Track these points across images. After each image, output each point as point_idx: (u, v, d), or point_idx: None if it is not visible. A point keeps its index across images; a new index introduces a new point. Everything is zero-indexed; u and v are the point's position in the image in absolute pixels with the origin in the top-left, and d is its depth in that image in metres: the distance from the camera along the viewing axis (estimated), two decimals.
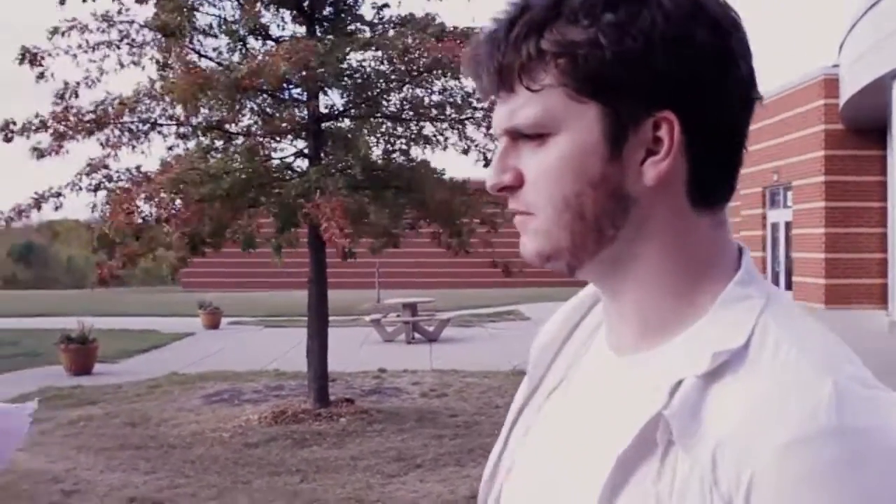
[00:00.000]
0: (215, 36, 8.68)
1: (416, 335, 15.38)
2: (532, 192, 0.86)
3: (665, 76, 0.80)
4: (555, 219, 0.85)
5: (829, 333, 0.82)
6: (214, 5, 8.71)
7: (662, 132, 0.81)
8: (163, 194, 7.67)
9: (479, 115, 8.77)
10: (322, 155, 8.67)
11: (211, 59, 8.63)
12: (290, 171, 8.76)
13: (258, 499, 6.08)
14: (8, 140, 8.02)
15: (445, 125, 8.97)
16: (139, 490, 6.25)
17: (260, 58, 7.60)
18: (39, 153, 8.07)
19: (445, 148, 9.18)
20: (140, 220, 7.83)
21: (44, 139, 8.00)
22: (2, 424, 1.82)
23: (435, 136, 9.00)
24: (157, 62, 8.28)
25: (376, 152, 8.93)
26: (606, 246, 0.85)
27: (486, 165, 9.15)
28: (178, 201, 7.88)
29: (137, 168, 8.56)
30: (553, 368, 1.03)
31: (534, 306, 21.18)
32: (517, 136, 0.86)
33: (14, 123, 7.94)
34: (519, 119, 0.84)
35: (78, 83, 8.25)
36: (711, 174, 0.84)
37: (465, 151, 9.02)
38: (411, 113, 8.96)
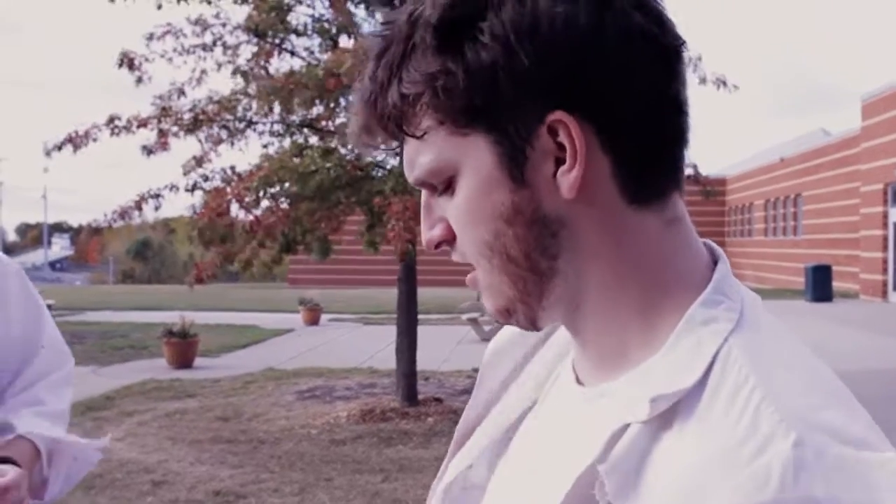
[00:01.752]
0: (308, 35, 8.77)
1: None
2: (460, 244, 0.76)
3: (538, 77, 0.68)
4: (488, 268, 0.75)
5: (814, 364, 0.69)
6: (308, 5, 8.80)
7: (562, 137, 0.69)
8: (248, 198, 7.78)
9: None
10: None
11: (302, 58, 8.71)
12: (379, 169, 8.78)
13: (338, 496, 6.08)
14: (115, 134, 8.30)
15: None
16: (224, 483, 6.34)
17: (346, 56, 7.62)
18: (148, 150, 8.37)
19: None
20: (229, 223, 7.99)
21: (150, 137, 8.28)
22: (76, 454, 1.87)
23: None
24: (249, 69, 8.43)
25: None
26: (549, 283, 0.74)
27: None
28: (264, 203, 8.00)
29: (232, 168, 8.76)
30: (514, 383, 0.90)
31: None
32: (429, 186, 0.77)
33: (119, 118, 8.21)
34: (418, 170, 0.75)
35: (182, 84, 8.50)
36: (643, 165, 0.71)
37: None
38: None
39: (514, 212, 0.72)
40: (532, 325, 0.77)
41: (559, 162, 0.70)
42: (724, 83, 8.45)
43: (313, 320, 18.89)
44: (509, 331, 0.92)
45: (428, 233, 0.78)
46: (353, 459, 7.10)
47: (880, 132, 21.11)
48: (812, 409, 0.62)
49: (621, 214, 0.72)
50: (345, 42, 8.77)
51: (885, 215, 22.54)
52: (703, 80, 8.38)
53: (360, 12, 8.69)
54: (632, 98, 0.70)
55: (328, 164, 8.04)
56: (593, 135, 0.69)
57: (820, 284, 22.47)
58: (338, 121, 8.83)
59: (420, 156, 0.74)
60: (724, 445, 0.61)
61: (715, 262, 0.76)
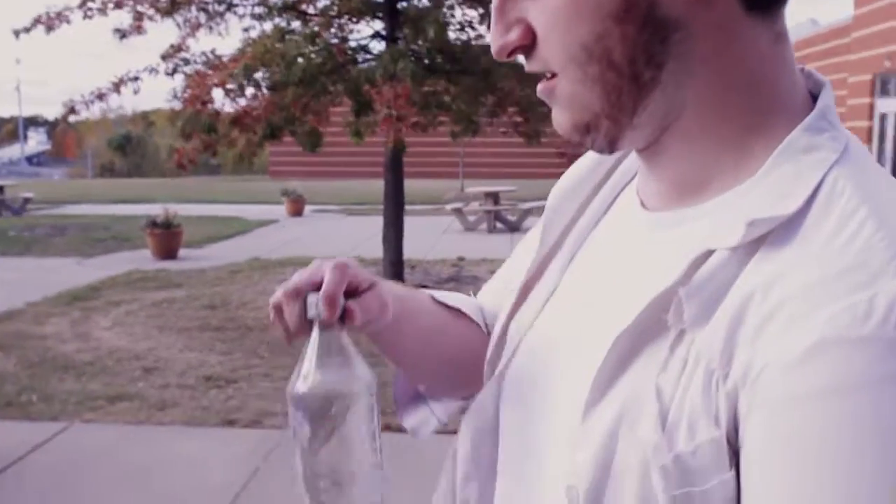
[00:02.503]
0: None
1: (498, 224, 15.26)
2: (546, 48, 0.69)
3: None
4: (580, 76, 0.68)
5: None
6: None
7: None
8: (231, 84, 7.56)
9: None
10: (397, 38, 8.41)
11: None
12: (366, 54, 8.55)
13: None
14: (88, 17, 8.00)
15: None
16: (214, 369, 6.37)
17: None
18: (121, 33, 8.08)
19: None
20: (214, 113, 7.80)
21: (125, 20, 7.99)
22: None
23: None
24: None
25: (452, 35, 8.61)
26: (647, 96, 0.68)
27: None
28: (249, 90, 7.79)
29: (213, 52, 8.50)
30: (576, 226, 0.86)
31: None
32: None
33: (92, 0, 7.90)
34: None
35: None
36: None
37: None
38: None
39: (625, 8, 0.65)
40: (610, 145, 0.72)
41: None
42: None
43: (297, 211, 18.82)
44: (573, 175, 0.88)
45: (501, 38, 0.71)
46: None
47: (873, 21, 20.79)
48: None
49: (737, 22, 0.66)
50: None
51: (872, 106, 22.42)
52: None
53: None
54: None
55: (313, 49, 7.81)
56: None
57: None
58: (320, 4, 8.55)
59: None
60: (824, 275, 0.57)
61: (812, 92, 0.70)
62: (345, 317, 0.79)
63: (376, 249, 10.94)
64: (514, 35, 0.71)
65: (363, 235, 14.09)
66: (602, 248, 0.82)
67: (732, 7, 0.65)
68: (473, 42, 8.64)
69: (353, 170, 32.51)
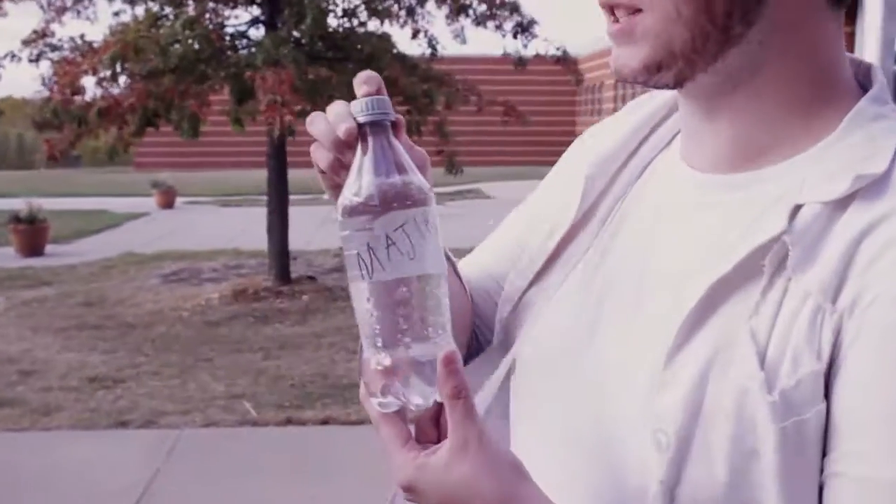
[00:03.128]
0: None
1: None
2: None
3: None
4: (672, 14, 0.70)
5: None
6: None
7: None
8: (104, 71, 7.24)
9: None
10: (278, 24, 8.24)
11: None
12: (245, 40, 8.34)
13: (221, 376, 5.99)
14: None
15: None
16: (98, 370, 6.12)
17: None
18: None
19: (403, 24, 8.78)
20: (85, 103, 7.46)
21: None
22: None
23: (389, 10, 8.57)
24: None
25: (334, 22, 8.51)
26: (730, 49, 0.71)
27: (432, 54, 8.81)
28: (122, 78, 7.48)
29: (81, 37, 8.12)
30: (609, 194, 0.87)
31: (495, 185, 21.05)
32: None
33: None
34: None
35: None
36: None
37: (414, 34, 8.62)
38: None
39: None
40: (677, 83, 0.74)
41: None
42: None
43: (168, 203, 18.20)
44: (609, 142, 0.88)
45: None
46: (230, 339, 6.99)
47: None
48: None
49: (818, 7, 0.72)
50: None
51: None
52: None
53: None
54: None
55: (190, 35, 7.56)
56: None
57: None
58: None
59: None
60: None
61: (856, 73, 0.77)
62: (396, 125, 0.73)
63: (256, 241, 10.73)
64: None
65: (241, 227, 13.77)
66: (647, 212, 0.83)
67: None
68: (357, 29, 8.56)
69: (225, 160, 31.67)
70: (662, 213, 0.81)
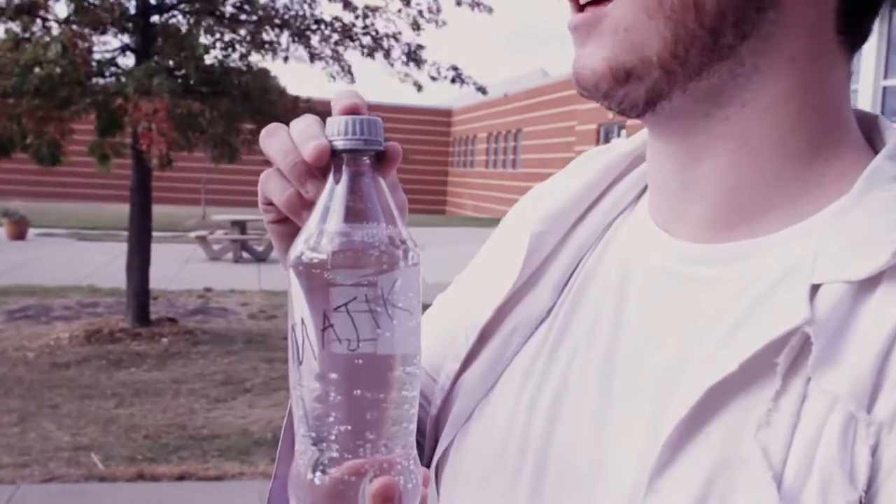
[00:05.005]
0: None
1: (245, 254, 14.76)
2: None
3: None
4: (652, 6, 0.56)
5: None
6: None
7: None
8: None
9: (326, 22, 8.21)
10: (151, 53, 7.88)
11: None
12: (114, 68, 7.92)
13: (67, 424, 5.52)
14: None
15: (285, 30, 8.33)
16: None
17: None
18: None
19: (287, 59, 8.58)
20: None
21: None
22: None
23: (273, 43, 8.37)
24: None
25: (210, 56, 8.22)
26: (715, 65, 0.58)
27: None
28: None
29: None
30: (560, 257, 0.72)
31: None
32: None
33: None
34: None
35: None
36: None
37: (312, 58, 8.43)
38: (250, 14, 8.26)
39: None
40: (647, 103, 0.59)
41: None
42: (479, 5, 8.39)
43: (19, 234, 17.10)
44: (559, 197, 0.73)
45: None
46: (80, 384, 6.49)
47: None
48: None
49: (826, 41, 0.60)
50: None
51: None
52: (458, 2, 8.28)
53: None
54: None
55: (52, 58, 7.10)
56: None
57: None
58: (62, 12, 7.83)
59: None
60: None
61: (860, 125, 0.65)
62: (385, 155, 0.56)
63: (114, 278, 10.16)
64: None
65: (98, 262, 13.07)
66: (611, 285, 0.68)
67: (828, 18, 0.60)
68: (233, 64, 8.29)
69: (84, 191, 30.29)
70: (633, 287, 0.66)
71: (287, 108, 8.11)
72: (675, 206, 0.64)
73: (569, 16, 0.61)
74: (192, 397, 6.28)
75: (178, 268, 13.19)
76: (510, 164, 34.19)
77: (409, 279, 0.54)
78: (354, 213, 0.53)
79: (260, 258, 14.74)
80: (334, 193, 0.54)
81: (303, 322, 0.52)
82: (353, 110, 0.56)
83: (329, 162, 0.55)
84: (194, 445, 5.23)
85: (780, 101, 0.59)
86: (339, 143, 0.54)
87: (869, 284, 0.54)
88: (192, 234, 15.48)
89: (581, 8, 0.60)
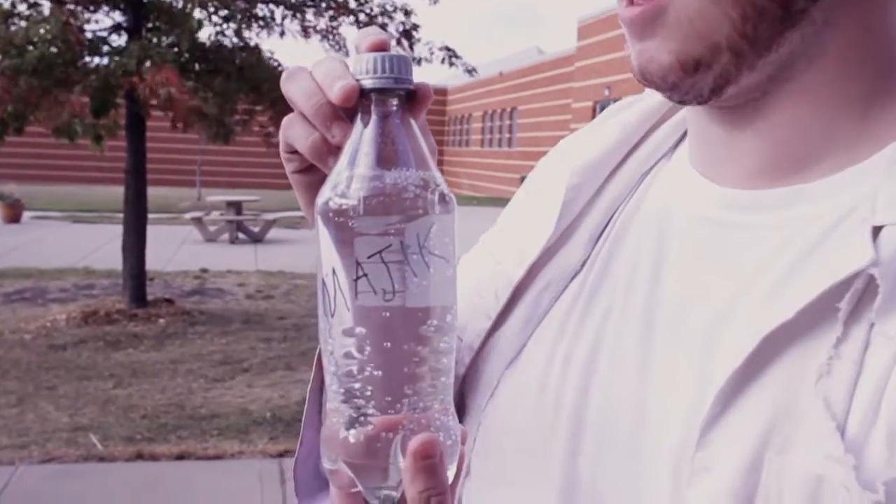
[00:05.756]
0: None
1: (241, 235, 14.73)
2: None
3: None
4: None
5: None
6: None
7: None
8: None
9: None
10: (144, 31, 7.81)
11: None
12: (106, 46, 7.85)
13: (65, 405, 5.50)
14: None
15: (281, 7, 8.25)
16: None
17: None
18: None
19: (283, 34, 8.49)
20: None
21: None
22: None
23: (270, 17, 8.29)
24: None
25: (205, 33, 8.16)
26: (788, 31, 0.54)
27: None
28: None
29: None
30: (595, 208, 0.68)
31: None
32: None
33: None
34: None
35: None
36: None
37: (305, 33, 8.34)
38: None
39: None
40: (715, 90, 0.56)
41: None
42: None
43: (14, 217, 17.07)
44: (595, 148, 0.70)
45: None
46: (77, 365, 6.47)
47: (594, 53, 22.43)
48: None
49: None
50: None
51: None
52: None
53: None
54: None
55: (46, 36, 7.03)
56: None
57: None
58: None
59: None
60: None
61: None
62: (415, 95, 0.53)
63: (109, 260, 10.13)
64: None
65: (93, 245, 13.03)
66: (651, 232, 0.64)
67: None
68: (227, 41, 8.22)
69: (79, 174, 30.17)
70: (674, 236, 0.63)
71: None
72: (722, 156, 0.61)
73: (619, 8, 0.58)
74: (189, 377, 6.26)
75: (174, 249, 13.15)
76: (506, 142, 34.09)
77: (445, 225, 0.50)
78: (385, 156, 0.50)
79: (256, 239, 14.71)
80: (363, 136, 0.51)
81: (334, 272, 0.49)
82: (380, 47, 0.53)
83: (356, 103, 0.51)
84: (193, 425, 5.21)
85: (847, 51, 0.56)
86: (368, 82, 0.51)
87: None
88: (188, 216, 15.42)
89: (631, 0, 0.56)
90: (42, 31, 6.96)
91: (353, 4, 8.06)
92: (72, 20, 7.60)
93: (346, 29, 8.21)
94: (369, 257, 0.48)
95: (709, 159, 0.62)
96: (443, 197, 0.50)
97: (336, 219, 0.49)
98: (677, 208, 0.64)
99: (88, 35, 7.89)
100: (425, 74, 8.99)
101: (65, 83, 7.28)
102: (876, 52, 0.57)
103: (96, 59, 7.70)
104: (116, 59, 7.25)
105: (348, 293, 0.49)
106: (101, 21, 8.06)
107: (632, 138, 0.70)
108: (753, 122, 0.58)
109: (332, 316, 0.50)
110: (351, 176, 0.49)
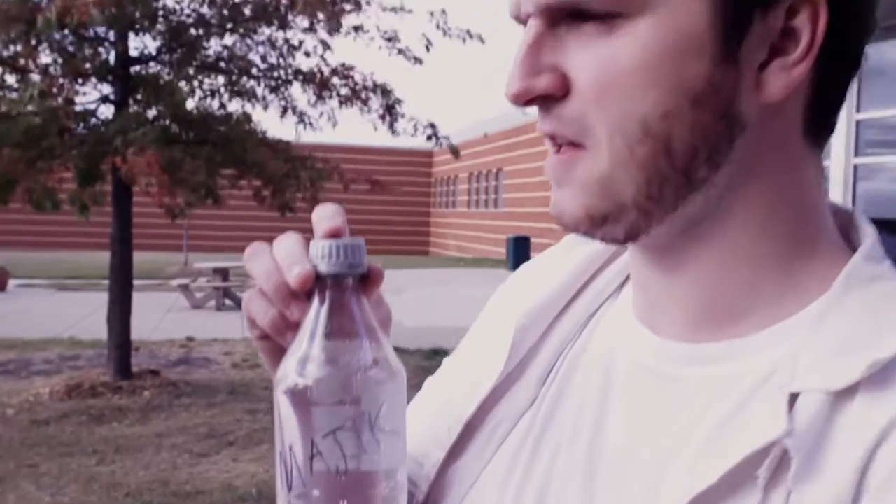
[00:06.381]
0: None
1: (228, 302, 14.65)
2: (588, 110, 0.57)
3: None
4: (623, 154, 0.57)
5: None
6: None
7: (801, 20, 0.56)
8: None
9: (305, 67, 8.22)
10: (131, 102, 7.86)
11: None
12: (94, 119, 7.89)
13: (47, 484, 5.39)
14: None
15: (264, 83, 8.34)
16: None
17: None
18: None
19: (266, 107, 8.57)
20: None
21: None
22: None
23: (253, 91, 8.37)
24: None
25: (191, 103, 8.22)
26: (690, 197, 0.58)
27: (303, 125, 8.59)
28: None
29: None
30: (543, 349, 0.72)
31: None
32: (561, 15, 0.57)
33: None
34: None
35: None
36: (835, 94, 0.61)
37: (283, 112, 8.42)
38: (229, 64, 8.27)
39: (709, 92, 0.56)
40: (627, 238, 0.61)
41: (773, 52, 0.56)
42: (471, 35, 8.37)
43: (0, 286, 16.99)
44: (544, 289, 0.73)
45: (526, 80, 0.58)
46: (60, 441, 6.36)
47: None
48: None
49: (795, 147, 0.61)
50: None
51: None
52: (445, 33, 8.26)
53: None
54: (864, 22, 0.59)
55: (34, 109, 7.07)
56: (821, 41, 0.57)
57: (520, 254, 23.88)
58: (42, 60, 7.80)
59: None
60: None
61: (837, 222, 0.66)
62: (368, 277, 0.58)
63: (95, 329, 10.04)
64: (544, 82, 0.58)
65: (79, 314, 12.93)
66: (595, 377, 0.68)
67: (795, 125, 0.60)
68: (216, 112, 8.28)
69: (64, 240, 30.09)
70: (617, 383, 0.66)
71: (267, 156, 8.08)
72: (658, 306, 0.65)
73: (548, 156, 0.61)
74: (174, 452, 6.16)
75: (160, 317, 13.07)
76: (492, 203, 34.30)
77: (395, 401, 0.55)
78: (339, 336, 0.54)
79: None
80: (318, 316, 0.55)
81: (290, 449, 0.53)
82: (335, 233, 0.57)
83: (313, 285, 0.56)
84: (177, 503, 5.11)
85: (756, 213, 0.60)
86: (324, 268, 0.55)
87: (847, 393, 0.53)
88: (174, 283, 15.36)
89: (559, 148, 0.59)
90: (30, 104, 6.98)
91: (336, 81, 8.13)
92: (59, 91, 7.66)
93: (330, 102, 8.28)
94: (324, 436, 0.52)
95: (647, 305, 0.66)
96: (393, 374, 0.55)
97: (292, 397, 0.53)
98: (620, 354, 0.67)
99: (77, 108, 7.94)
100: (411, 139, 9.05)
101: (50, 155, 7.30)
102: (789, 214, 0.60)
103: (83, 130, 7.74)
104: (102, 129, 7.29)
105: (304, 468, 0.53)
106: (88, 93, 8.12)
107: (580, 279, 0.73)
108: (682, 272, 0.62)
109: (290, 490, 0.53)
110: (307, 356, 0.53)
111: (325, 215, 0.58)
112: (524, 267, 0.82)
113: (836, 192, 11.30)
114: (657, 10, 0.55)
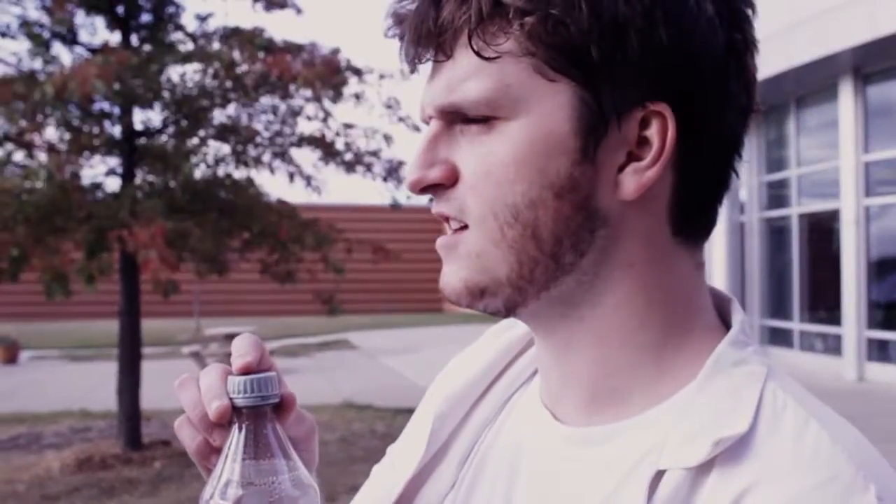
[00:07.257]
0: (14, 38, 7.82)
1: None
2: (468, 195, 0.66)
3: (664, 56, 0.62)
4: (496, 235, 0.65)
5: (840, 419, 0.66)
6: (16, 3, 7.82)
7: (652, 131, 0.63)
8: None
9: (308, 132, 8.30)
10: (137, 174, 7.94)
11: (8, 63, 7.75)
12: (100, 192, 7.97)
13: None
14: None
15: (268, 149, 8.42)
16: None
17: (68, 71, 6.83)
18: None
19: (273, 171, 8.65)
20: None
21: None
22: None
23: (259, 158, 8.45)
24: None
25: (197, 173, 8.29)
26: (561, 279, 0.66)
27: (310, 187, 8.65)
28: None
29: None
30: (462, 433, 0.79)
31: (364, 335, 20.67)
32: (454, 118, 0.66)
33: None
34: (462, 94, 0.64)
35: None
36: (700, 196, 0.67)
37: (291, 177, 8.49)
38: (234, 133, 8.36)
39: (570, 187, 0.63)
40: (509, 312, 0.68)
41: (630, 157, 0.64)
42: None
43: (10, 359, 16.97)
44: (462, 376, 0.80)
45: (421, 171, 0.67)
46: None
47: None
48: (878, 463, 0.60)
49: (662, 242, 0.66)
50: (59, 48, 7.93)
51: None
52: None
53: (78, 17, 7.87)
54: (724, 128, 0.65)
55: (41, 186, 7.13)
56: (675, 147, 0.63)
57: None
58: (48, 135, 7.91)
59: (474, 79, 0.63)
60: (803, 487, 0.56)
61: (716, 306, 0.72)
62: (281, 404, 0.65)
63: (106, 399, 10.00)
64: (436, 173, 0.67)
65: (90, 384, 12.91)
66: (505, 461, 0.74)
67: (660, 222, 0.66)
68: (220, 178, 8.34)
69: (75, 310, 30.14)
70: (522, 468, 0.73)
71: (273, 220, 8.13)
72: (556, 390, 0.71)
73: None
74: None
75: (171, 386, 12.96)
76: None
77: None
78: (255, 458, 0.61)
79: None
80: (238, 442, 0.61)
81: None
82: (247, 370, 0.64)
83: (232, 414, 0.62)
84: None
85: (626, 301, 0.66)
86: (240, 401, 0.62)
87: (705, 468, 0.59)
88: (185, 350, 15.34)
89: (454, 231, 0.68)
90: (38, 181, 7.05)
91: (339, 146, 8.21)
92: (66, 167, 7.74)
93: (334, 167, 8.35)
94: None
95: (549, 389, 0.72)
96: (305, 490, 0.61)
97: None
98: (526, 441, 0.73)
99: (85, 182, 8.02)
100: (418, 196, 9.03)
101: (60, 231, 7.35)
102: (660, 302, 0.66)
103: (90, 203, 7.80)
104: (109, 203, 7.35)
105: None
106: (95, 166, 8.21)
107: (499, 364, 0.80)
108: (569, 354, 0.68)
109: None
110: (228, 480, 0.60)
111: (241, 351, 0.65)
112: (454, 360, 0.87)
113: (849, 234, 11.25)
114: (530, 113, 0.62)
